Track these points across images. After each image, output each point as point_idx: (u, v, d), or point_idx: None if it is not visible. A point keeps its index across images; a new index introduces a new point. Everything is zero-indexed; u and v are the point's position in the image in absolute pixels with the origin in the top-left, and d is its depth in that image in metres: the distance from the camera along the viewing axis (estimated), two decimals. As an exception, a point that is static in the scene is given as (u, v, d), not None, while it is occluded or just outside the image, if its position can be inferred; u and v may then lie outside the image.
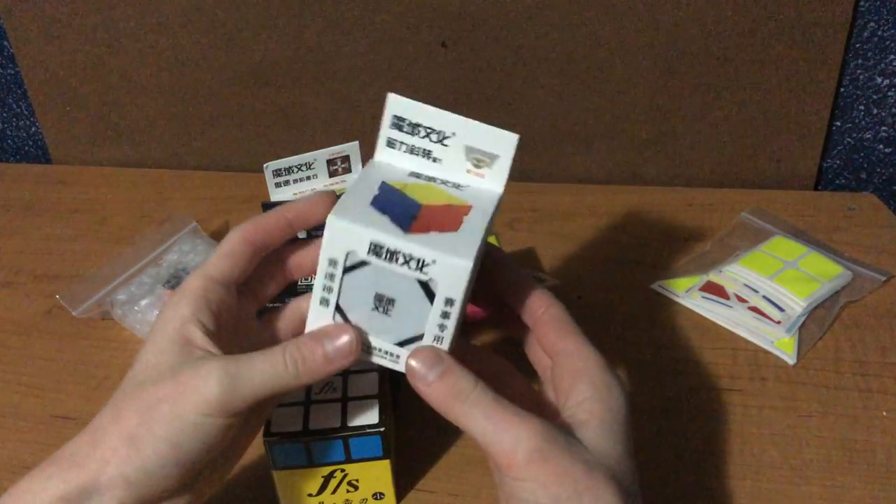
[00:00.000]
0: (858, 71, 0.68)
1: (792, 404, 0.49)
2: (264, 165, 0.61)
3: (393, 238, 0.29)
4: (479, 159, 0.32)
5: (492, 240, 0.63)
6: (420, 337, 0.30)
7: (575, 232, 0.66)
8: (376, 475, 0.40)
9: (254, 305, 0.36)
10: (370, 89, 0.73)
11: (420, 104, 0.32)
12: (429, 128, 0.32)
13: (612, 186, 0.73)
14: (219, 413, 0.29)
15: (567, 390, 0.31)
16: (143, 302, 0.56)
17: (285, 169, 0.62)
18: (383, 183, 0.32)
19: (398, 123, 0.32)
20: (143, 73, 0.76)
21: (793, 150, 0.72)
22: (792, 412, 0.48)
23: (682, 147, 0.73)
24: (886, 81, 0.68)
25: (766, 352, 0.53)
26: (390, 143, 0.33)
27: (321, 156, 0.62)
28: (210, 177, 0.78)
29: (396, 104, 0.32)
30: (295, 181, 0.63)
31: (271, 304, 0.37)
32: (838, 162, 0.74)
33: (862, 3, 0.65)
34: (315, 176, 0.63)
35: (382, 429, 0.38)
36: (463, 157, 0.32)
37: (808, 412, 0.48)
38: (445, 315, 0.30)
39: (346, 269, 0.30)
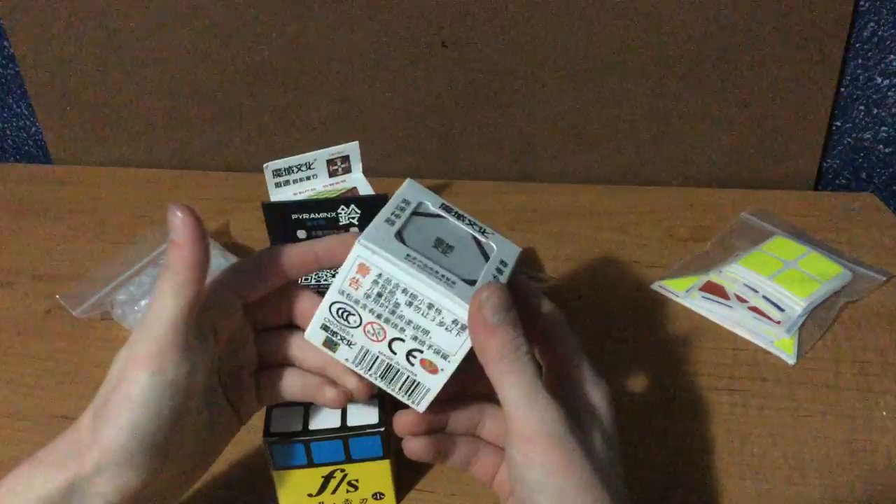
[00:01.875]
0: (858, 71, 0.68)
1: (792, 404, 0.49)
2: (264, 165, 0.61)
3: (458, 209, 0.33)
4: None
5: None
6: (474, 282, 0.30)
7: (575, 232, 0.66)
8: (376, 475, 0.40)
9: (252, 326, 0.35)
10: (370, 89, 0.73)
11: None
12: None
13: (612, 186, 0.73)
14: (170, 350, 0.29)
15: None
16: (143, 302, 0.56)
17: (285, 169, 0.62)
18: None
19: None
20: (143, 73, 0.76)
21: (793, 150, 0.72)
22: (792, 412, 0.48)
23: (682, 147, 0.73)
24: (886, 81, 0.68)
25: (766, 352, 0.53)
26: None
27: (321, 156, 0.62)
28: (210, 177, 0.78)
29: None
30: (295, 181, 0.63)
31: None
32: (838, 162, 0.74)
33: (862, 3, 0.65)
34: (315, 176, 0.63)
35: (382, 429, 0.38)
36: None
37: (808, 412, 0.48)
38: (500, 271, 0.31)
39: (416, 212, 0.32)
